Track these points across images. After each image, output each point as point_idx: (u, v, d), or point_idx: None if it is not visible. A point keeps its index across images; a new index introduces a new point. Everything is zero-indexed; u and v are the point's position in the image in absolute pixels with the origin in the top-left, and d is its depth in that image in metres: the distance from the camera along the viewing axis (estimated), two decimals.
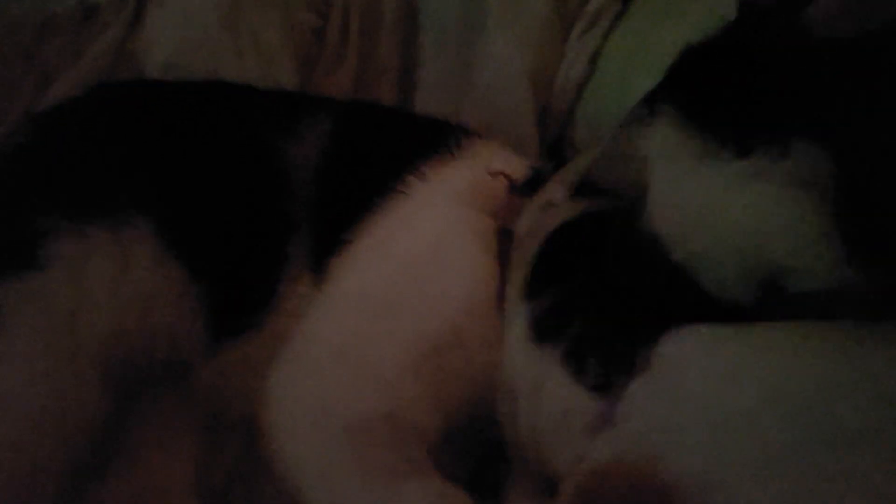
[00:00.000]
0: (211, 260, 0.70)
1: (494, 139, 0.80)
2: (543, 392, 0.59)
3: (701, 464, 0.47)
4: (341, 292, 0.68)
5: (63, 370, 0.63)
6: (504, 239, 0.69)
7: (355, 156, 0.75)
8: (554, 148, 0.97)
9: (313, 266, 0.70)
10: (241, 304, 0.70)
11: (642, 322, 0.55)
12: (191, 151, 0.74)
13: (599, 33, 0.94)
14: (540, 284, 0.62)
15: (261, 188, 0.73)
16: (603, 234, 0.60)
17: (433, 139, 0.75)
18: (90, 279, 0.66)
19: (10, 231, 0.68)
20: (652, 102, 0.59)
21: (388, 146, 0.76)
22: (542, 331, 0.60)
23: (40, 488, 0.60)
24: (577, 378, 0.56)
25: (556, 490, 0.55)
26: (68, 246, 0.66)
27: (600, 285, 0.58)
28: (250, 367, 0.67)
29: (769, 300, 0.52)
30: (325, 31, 1.01)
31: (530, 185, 0.72)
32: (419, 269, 0.68)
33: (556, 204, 0.67)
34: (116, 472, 0.69)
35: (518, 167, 0.75)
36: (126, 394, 0.68)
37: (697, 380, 0.51)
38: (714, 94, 0.56)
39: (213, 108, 0.78)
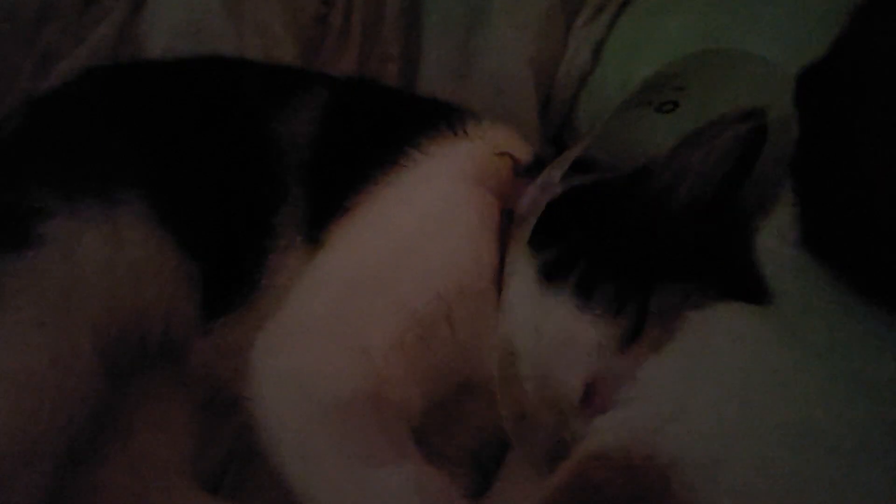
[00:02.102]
0: (203, 235, 0.70)
1: (501, 123, 0.79)
2: (549, 324, 0.60)
3: (705, 455, 0.47)
4: (333, 261, 0.68)
5: (60, 346, 0.63)
6: (506, 219, 0.69)
7: (356, 126, 0.75)
8: (556, 137, 0.97)
9: (308, 235, 0.70)
10: (233, 279, 0.70)
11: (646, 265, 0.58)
12: (182, 126, 0.73)
13: (603, 23, 0.94)
14: (545, 239, 0.63)
15: (253, 161, 0.72)
16: (602, 197, 0.64)
17: (438, 116, 0.74)
18: (83, 257, 0.66)
19: (3, 210, 0.67)
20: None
21: (390, 119, 0.76)
22: (551, 272, 0.62)
23: (38, 463, 0.60)
24: (585, 304, 0.59)
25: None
26: (61, 224, 0.66)
27: (605, 235, 0.62)
28: (243, 345, 0.67)
29: None
30: (329, 18, 1.00)
31: (534, 169, 0.72)
32: (415, 242, 0.68)
33: (553, 183, 0.67)
34: (112, 451, 0.69)
35: (523, 150, 0.75)
36: (122, 372, 0.68)
37: (713, 368, 0.51)
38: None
39: (206, 82, 0.77)
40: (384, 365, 0.62)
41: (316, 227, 0.70)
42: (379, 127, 0.75)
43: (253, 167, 0.72)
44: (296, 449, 0.60)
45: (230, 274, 0.70)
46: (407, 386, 0.63)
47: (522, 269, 0.64)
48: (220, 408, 0.74)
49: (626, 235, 0.62)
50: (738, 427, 0.48)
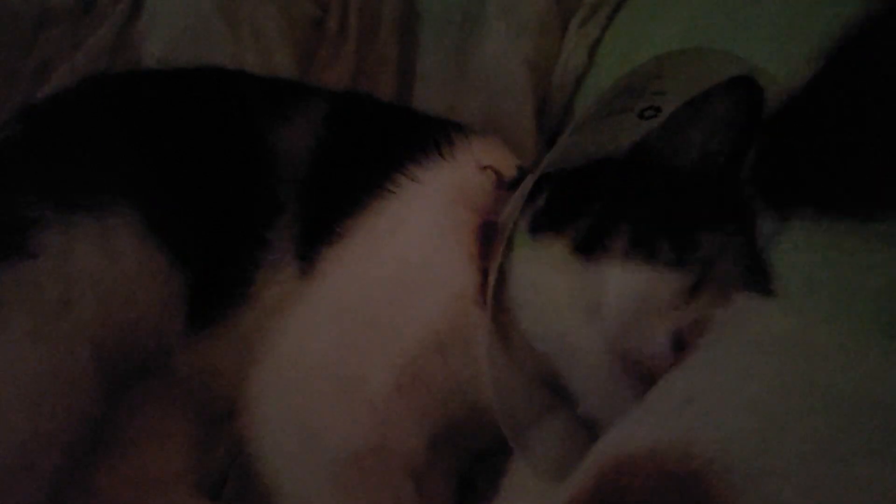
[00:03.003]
0: (195, 246, 0.70)
1: (489, 136, 0.79)
2: (612, 291, 0.58)
3: (747, 457, 0.43)
4: (324, 297, 0.68)
5: (57, 357, 0.63)
6: (489, 231, 0.68)
7: (347, 149, 0.75)
8: (553, 140, 0.97)
9: (299, 254, 0.70)
10: (221, 291, 0.70)
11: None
12: (176, 138, 0.73)
13: (598, 24, 0.93)
14: (559, 219, 0.62)
15: (245, 175, 0.72)
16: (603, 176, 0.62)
17: (426, 137, 0.74)
18: (77, 268, 0.66)
19: None
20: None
21: (380, 142, 0.76)
22: (592, 244, 0.60)
23: (37, 474, 0.60)
24: (649, 260, 0.57)
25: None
26: (55, 235, 0.66)
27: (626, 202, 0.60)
28: (231, 357, 0.68)
29: None
30: (325, 22, 1.01)
31: (518, 182, 0.71)
32: (402, 277, 0.68)
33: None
34: (111, 462, 0.69)
35: (508, 164, 0.75)
36: (118, 383, 0.68)
37: (748, 363, 0.48)
38: None
39: (201, 95, 0.77)
40: (387, 415, 0.62)
41: (307, 248, 0.70)
42: (370, 150, 0.75)
43: (247, 181, 0.72)
44: (299, 498, 0.61)
45: (219, 285, 0.71)
46: (411, 434, 0.63)
47: (532, 260, 0.63)
48: (219, 415, 0.74)
49: (643, 201, 0.61)
50: (781, 422, 0.44)
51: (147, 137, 0.73)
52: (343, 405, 0.63)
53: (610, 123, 0.62)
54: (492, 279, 0.64)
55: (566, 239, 0.61)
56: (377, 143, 0.76)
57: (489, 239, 0.67)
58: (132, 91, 0.79)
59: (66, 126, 0.74)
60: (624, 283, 0.58)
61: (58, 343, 0.64)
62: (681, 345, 0.56)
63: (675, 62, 0.62)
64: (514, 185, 0.71)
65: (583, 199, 0.63)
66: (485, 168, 0.71)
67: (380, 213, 0.70)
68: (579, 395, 0.62)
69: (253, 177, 0.72)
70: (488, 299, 0.64)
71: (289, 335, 0.67)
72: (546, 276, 0.62)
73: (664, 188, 0.61)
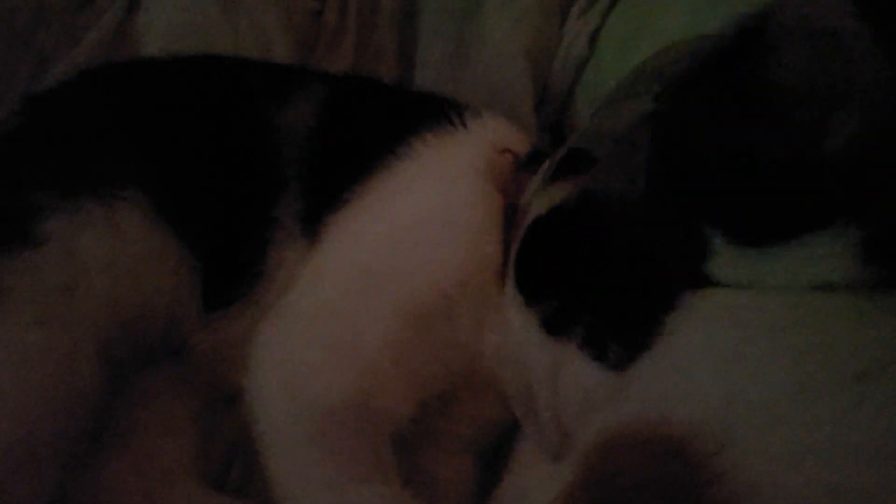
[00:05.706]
0: (204, 229, 0.70)
1: (498, 115, 0.79)
2: (561, 378, 0.59)
3: (714, 415, 0.46)
4: (334, 253, 0.68)
5: (59, 345, 0.63)
6: (510, 214, 0.68)
7: (354, 119, 0.74)
8: (553, 128, 0.97)
9: (305, 230, 0.70)
10: (234, 272, 0.70)
11: (647, 302, 0.55)
12: (181, 121, 0.73)
13: (598, 12, 0.94)
14: (539, 288, 0.62)
15: (250, 154, 0.72)
16: (579, 227, 0.61)
17: (438, 109, 0.74)
18: (84, 253, 0.66)
19: (2, 209, 0.67)
20: None
21: (389, 112, 0.76)
22: (554, 329, 0.60)
23: (41, 463, 0.60)
24: (597, 360, 0.56)
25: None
26: (61, 221, 0.66)
27: (597, 279, 0.59)
28: (243, 338, 0.67)
29: None
30: (323, 13, 1.01)
31: (533, 161, 0.71)
32: (417, 234, 0.67)
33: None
34: (116, 451, 0.69)
35: (522, 143, 0.75)
36: (124, 370, 0.68)
37: (702, 334, 0.51)
38: None
39: (203, 78, 0.77)
40: (375, 370, 0.62)
41: (313, 221, 0.70)
42: (378, 119, 0.75)
43: (251, 161, 0.72)
44: (279, 447, 0.61)
45: (231, 267, 0.71)
46: (397, 394, 0.63)
47: (522, 312, 0.62)
48: (224, 402, 0.74)
49: (606, 269, 0.59)
50: (739, 385, 0.47)
51: (150, 122, 0.73)
52: (332, 357, 0.63)
53: (628, 106, 0.62)
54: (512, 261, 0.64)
55: (536, 314, 0.61)
56: (385, 114, 0.75)
57: (511, 221, 0.67)
58: (134, 77, 0.79)
59: (69, 114, 0.74)
60: (571, 375, 0.58)
61: (62, 333, 0.63)
62: None
63: (688, 48, 0.63)
64: (529, 164, 0.71)
65: (553, 273, 0.62)
66: (503, 151, 0.71)
67: (393, 175, 0.69)
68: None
69: (257, 157, 0.72)
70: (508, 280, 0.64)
71: (293, 290, 0.67)
72: (524, 333, 0.62)
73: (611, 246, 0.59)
